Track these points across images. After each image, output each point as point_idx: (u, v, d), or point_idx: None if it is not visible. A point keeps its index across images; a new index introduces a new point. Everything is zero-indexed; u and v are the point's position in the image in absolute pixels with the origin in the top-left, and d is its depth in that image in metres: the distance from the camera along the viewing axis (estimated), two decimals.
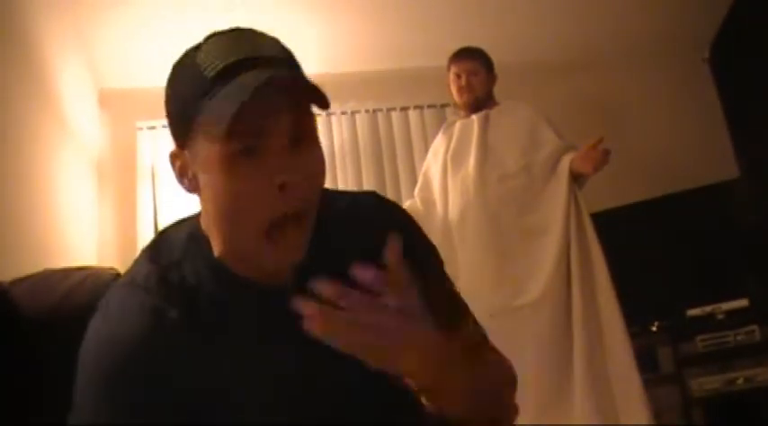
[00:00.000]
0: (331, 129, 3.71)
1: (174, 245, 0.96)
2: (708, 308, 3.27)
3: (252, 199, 0.86)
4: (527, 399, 2.59)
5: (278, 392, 0.90)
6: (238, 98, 0.81)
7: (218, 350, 0.88)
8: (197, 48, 0.91)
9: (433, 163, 3.07)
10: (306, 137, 0.89)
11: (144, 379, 0.84)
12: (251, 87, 0.81)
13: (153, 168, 3.45)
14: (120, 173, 3.53)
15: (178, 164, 0.94)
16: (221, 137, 0.84)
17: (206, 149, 0.87)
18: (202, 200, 0.93)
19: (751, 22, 3.56)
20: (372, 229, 0.97)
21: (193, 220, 0.98)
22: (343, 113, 3.74)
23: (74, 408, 0.84)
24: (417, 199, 3.07)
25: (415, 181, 3.25)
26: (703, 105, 3.97)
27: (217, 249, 0.92)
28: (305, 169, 0.88)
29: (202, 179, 0.90)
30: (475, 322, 1.12)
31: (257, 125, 0.84)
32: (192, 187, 0.93)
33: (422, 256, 1.04)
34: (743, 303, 3.25)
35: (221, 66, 0.86)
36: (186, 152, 0.91)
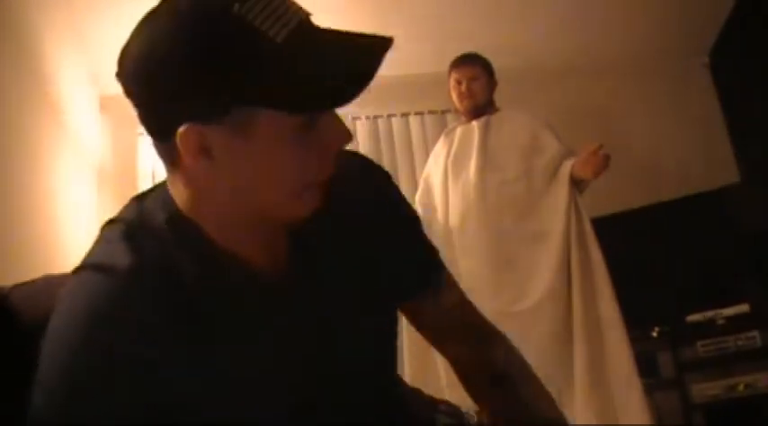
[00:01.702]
0: None
1: (155, 232, 0.86)
2: (708, 314, 3.27)
3: (308, 168, 0.83)
4: None
5: (279, 382, 0.87)
6: (357, 70, 0.78)
7: (217, 343, 0.84)
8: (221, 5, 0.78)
9: (434, 168, 3.08)
10: None
11: (133, 381, 0.78)
12: (362, 62, 0.79)
13: (154, 174, 3.46)
14: (120, 179, 3.53)
15: (197, 140, 0.79)
16: (311, 106, 0.80)
17: (272, 123, 0.79)
18: (225, 176, 0.82)
19: (751, 28, 3.57)
20: (361, 196, 0.99)
21: (165, 201, 0.88)
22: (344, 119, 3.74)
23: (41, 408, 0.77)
24: (418, 205, 3.07)
25: (415, 187, 3.25)
26: (703, 110, 3.98)
27: (216, 228, 0.86)
28: (347, 132, 0.87)
29: (242, 152, 0.80)
30: (454, 283, 1.15)
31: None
32: (213, 168, 0.81)
33: (401, 222, 1.07)
34: (743, 308, 3.25)
35: (288, 29, 0.79)
36: (215, 126, 0.79)
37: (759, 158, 3.65)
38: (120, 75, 0.83)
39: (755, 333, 3.13)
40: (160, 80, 0.78)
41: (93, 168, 3.40)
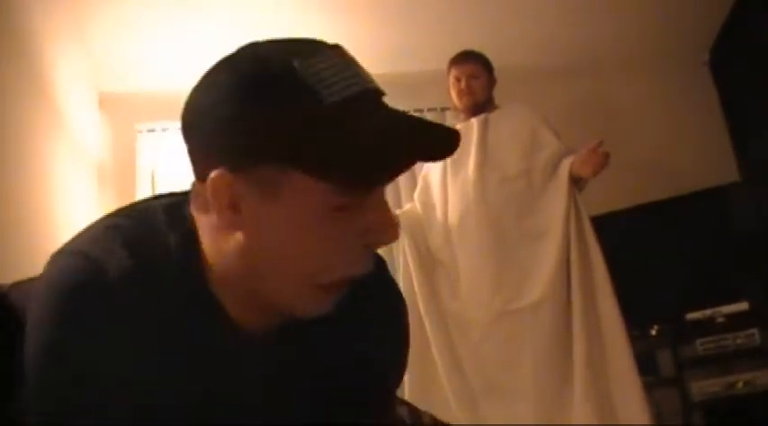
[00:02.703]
0: None
1: (161, 245, 0.82)
2: (708, 312, 3.28)
3: (334, 255, 0.76)
4: (527, 401, 2.59)
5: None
6: (400, 149, 0.72)
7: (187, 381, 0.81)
8: (286, 54, 0.75)
9: (433, 166, 3.07)
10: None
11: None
12: (413, 142, 0.72)
13: (153, 171, 3.46)
14: (119, 176, 3.53)
15: (228, 191, 0.75)
16: (345, 183, 0.73)
17: (301, 188, 0.73)
18: (248, 237, 0.77)
19: (751, 26, 3.56)
20: (365, 307, 0.90)
21: (179, 220, 0.84)
22: None
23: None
24: (417, 203, 3.07)
25: (414, 185, 3.24)
26: (703, 108, 3.98)
27: (219, 276, 0.82)
28: (393, 228, 0.77)
29: (268, 215, 0.75)
30: None
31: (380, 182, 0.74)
32: (237, 221, 0.77)
33: (381, 363, 0.96)
34: (743, 306, 3.26)
35: (344, 94, 0.74)
36: (245, 178, 0.75)
37: (759, 157, 3.65)
38: (182, 128, 0.82)
39: (755, 331, 3.13)
40: (204, 123, 0.77)
41: (92, 166, 3.39)
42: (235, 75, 0.76)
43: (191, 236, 0.83)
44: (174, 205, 0.87)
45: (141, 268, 0.79)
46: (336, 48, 0.79)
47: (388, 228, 0.76)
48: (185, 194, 0.87)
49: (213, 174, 0.75)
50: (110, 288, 0.77)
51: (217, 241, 0.81)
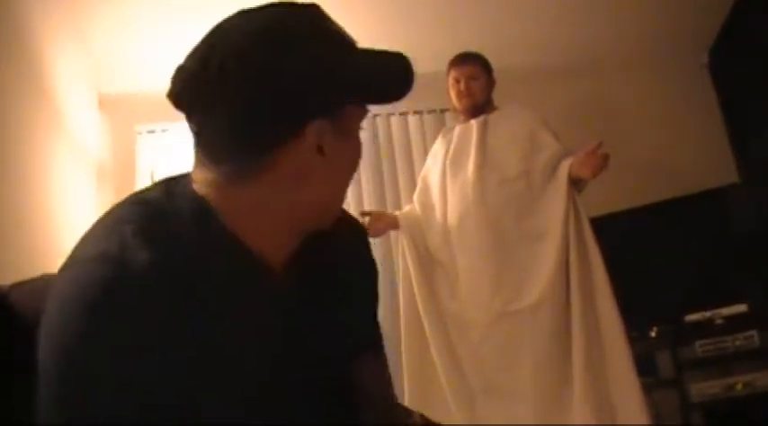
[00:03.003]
0: None
1: (175, 225, 0.84)
2: (707, 313, 3.28)
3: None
4: (526, 402, 2.59)
5: (245, 369, 0.87)
6: (401, 67, 0.94)
7: (218, 341, 0.82)
8: (307, 20, 0.90)
9: (432, 167, 3.08)
10: None
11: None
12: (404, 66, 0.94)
13: (152, 172, 3.45)
14: (119, 177, 3.53)
15: (315, 139, 0.86)
16: (380, 99, 0.95)
17: (355, 113, 0.93)
18: (324, 176, 0.89)
19: (750, 28, 3.57)
20: (346, 249, 1.06)
21: (191, 193, 0.88)
22: None
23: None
24: (416, 204, 3.07)
25: (414, 186, 3.25)
26: (702, 110, 3.98)
27: (253, 231, 0.88)
28: None
29: (338, 149, 0.89)
30: (386, 359, 1.15)
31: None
32: (324, 164, 0.88)
33: (359, 278, 1.10)
34: (742, 308, 3.26)
35: (352, 41, 0.92)
36: (331, 123, 0.88)
37: (758, 158, 3.65)
38: (237, 86, 0.84)
39: (754, 333, 3.13)
40: (284, 86, 0.83)
41: (91, 166, 3.39)
42: (294, 39, 0.85)
43: (200, 200, 0.87)
44: (169, 183, 0.91)
45: (160, 251, 0.80)
46: (317, 8, 0.92)
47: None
48: (174, 178, 0.92)
49: (314, 126, 0.85)
50: (137, 281, 0.77)
51: (264, 204, 0.87)
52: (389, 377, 1.15)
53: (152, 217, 0.84)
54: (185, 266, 0.81)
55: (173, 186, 0.90)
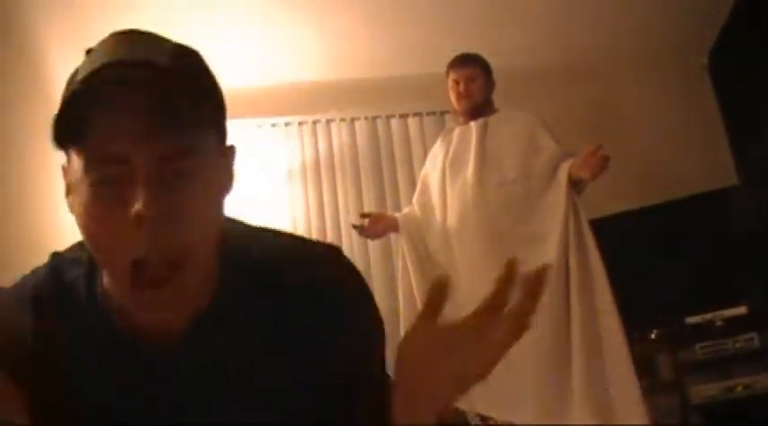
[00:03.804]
0: (330, 136, 3.72)
1: (73, 267, 0.89)
2: (707, 316, 3.27)
3: (109, 234, 0.75)
4: (526, 404, 2.59)
5: None
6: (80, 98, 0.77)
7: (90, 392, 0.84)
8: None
9: (432, 169, 3.07)
10: (184, 171, 0.76)
11: None
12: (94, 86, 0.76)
13: None
14: None
15: (63, 177, 0.83)
16: (80, 152, 0.77)
17: (76, 164, 0.79)
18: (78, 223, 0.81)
19: (750, 29, 3.57)
20: (304, 299, 0.87)
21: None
22: (342, 120, 3.75)
23: None
24: (416, 205, 3.07)
25: (414, 189, 3.25)
26: (702, 111, 3.98)
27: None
28: (173, 205, 0.74)
29: (74, 200, 0.81)
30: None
31: (119, 150, 0.74)
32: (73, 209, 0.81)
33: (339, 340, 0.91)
34: (742, 310, 3.25)
35: (89, 70, 0.79)
36: (68, 164, 0.82)
37: (758, 160, 3.65)
38: None
39: (754, 335, 3.13)
40: None
41: None
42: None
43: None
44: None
45: (59, 281, 0.88)
46: (131, 33, 0.87)
47: (151, 204, 0.72)
48: None
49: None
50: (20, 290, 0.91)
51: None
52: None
53: (62, 261, 0.93)
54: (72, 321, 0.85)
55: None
